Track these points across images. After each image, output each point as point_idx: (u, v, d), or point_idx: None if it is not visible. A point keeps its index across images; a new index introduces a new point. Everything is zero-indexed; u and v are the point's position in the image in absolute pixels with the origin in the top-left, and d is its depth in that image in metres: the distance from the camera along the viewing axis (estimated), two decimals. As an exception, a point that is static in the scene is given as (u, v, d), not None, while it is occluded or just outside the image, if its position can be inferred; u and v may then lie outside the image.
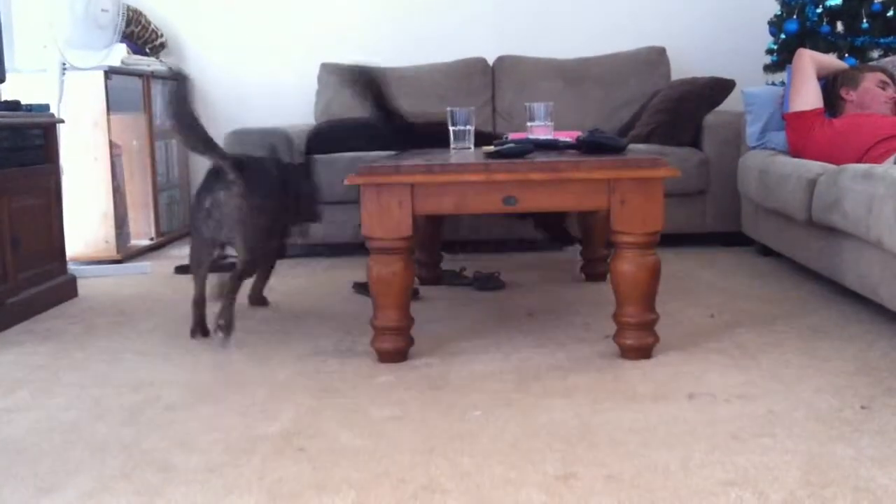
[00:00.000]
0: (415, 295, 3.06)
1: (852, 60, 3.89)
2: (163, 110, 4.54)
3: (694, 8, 4.95)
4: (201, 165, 5.16)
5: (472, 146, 2.81)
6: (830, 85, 3.53)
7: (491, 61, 4.84)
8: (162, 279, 3.75)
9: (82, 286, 3.50)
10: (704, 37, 4.91)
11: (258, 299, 3.11)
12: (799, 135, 3.45)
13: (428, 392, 2.16)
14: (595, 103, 4.65)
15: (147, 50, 4.90)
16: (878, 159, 3.01)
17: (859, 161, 3.04)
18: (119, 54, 4.31)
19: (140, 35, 4.86)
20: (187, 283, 3.59)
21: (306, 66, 4.93)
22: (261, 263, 2.90)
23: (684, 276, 3.48)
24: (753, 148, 3.88)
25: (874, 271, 2.58)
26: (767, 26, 4.40)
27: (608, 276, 2.44)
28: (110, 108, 4.12)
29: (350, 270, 3.67)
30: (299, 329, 2.81)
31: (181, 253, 4.45)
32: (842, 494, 1.54)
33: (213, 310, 2.64)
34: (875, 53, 4.10)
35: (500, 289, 3.31)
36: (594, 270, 3.43)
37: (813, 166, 3.13)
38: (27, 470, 1.77)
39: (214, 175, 2.63)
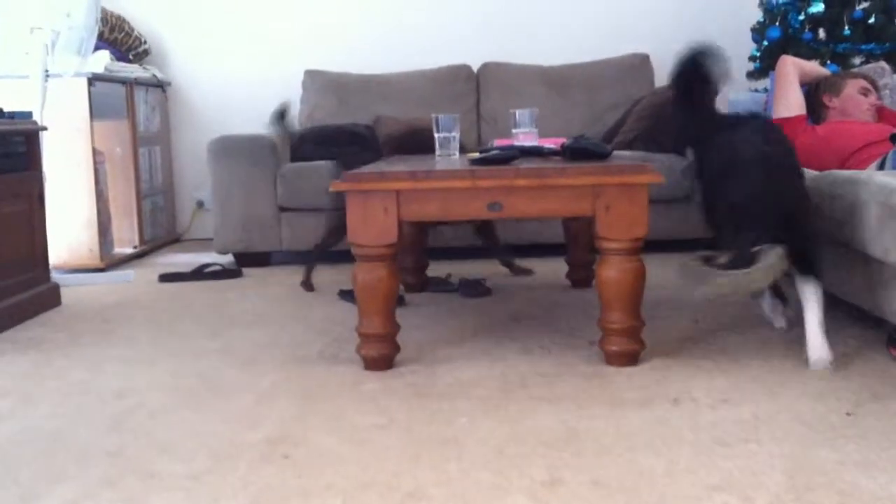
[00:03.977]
0: (400, 302, 3.06)
1: (834, 67, 3.92)
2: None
3: (677, 15, 4.98)
4: (187, 172, 5.15)
5: (458, 153, 2.82)
6: (813, 92, 3.55)
7: (476, 68, 4.84)
8: (146, 287, 3.73)
9: (65, 294, 3.47)
10: (688, 43, 4.92)
11: None
12: (782, 141, 3.47)
13: (414, 399, 2.16)
14: (579, 109, 4.67)
15: (130, 57, 4.89)
16: (861, 165, 3.02)
17: (842, 167, 3.06)
18: (102, 61, 4.29)
19: (123, 42, 4.85)
20: (172, 291, 3.58)
21: (291, 73, 4.92)
22: None
23: (669, 282, 3.49)
24: (737, 154, 3.89)
25: (858, 277, 2.59)
26: (750, 33, 4.42)
27: (593, 282, 2.45)
28: (93, 114, 4.11)
29: (336, 276, 3.66)
30: (284, 335, 2.80)
31: (166, 261, 4.44)
32: (826, 498, 1.55)
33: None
34: (857, 60, 4.13)
35: (486, 295, 3.31)
36: (579, 276, 3.44)
37: (796, 172, 3.14)
38: (10, 478, 1.75)
39: None
